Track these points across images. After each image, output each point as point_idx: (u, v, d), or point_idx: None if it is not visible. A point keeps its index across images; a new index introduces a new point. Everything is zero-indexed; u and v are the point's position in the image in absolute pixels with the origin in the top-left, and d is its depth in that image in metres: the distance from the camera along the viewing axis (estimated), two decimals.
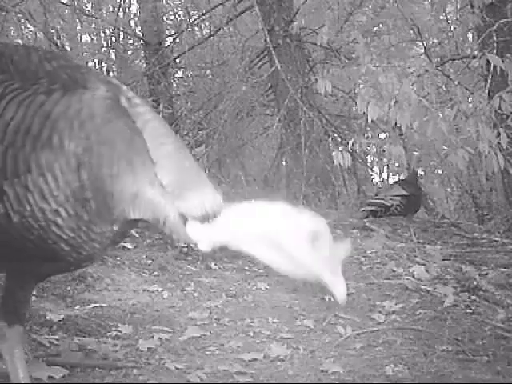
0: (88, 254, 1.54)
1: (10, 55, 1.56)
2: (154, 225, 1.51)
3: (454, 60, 8.15)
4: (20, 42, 11.60)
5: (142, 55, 11.91)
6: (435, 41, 10.39)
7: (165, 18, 11.73)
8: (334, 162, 4.64)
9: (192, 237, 1.51)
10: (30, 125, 1.43)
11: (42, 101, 1.45)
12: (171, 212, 1.49)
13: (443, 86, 8.37)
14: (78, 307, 3.03)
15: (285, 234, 1.46)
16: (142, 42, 11.48)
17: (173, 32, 11.04)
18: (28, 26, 10.53)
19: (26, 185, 1.41)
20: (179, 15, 11.61)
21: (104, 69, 12.32)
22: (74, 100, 1.47)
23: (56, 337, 2.53)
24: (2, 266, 1.63)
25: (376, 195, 6.43)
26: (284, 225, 1.47)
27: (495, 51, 4.27)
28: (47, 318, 2.72)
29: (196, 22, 10.07)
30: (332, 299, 3.51)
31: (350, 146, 4.60)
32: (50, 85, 1.47)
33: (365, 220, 6.40)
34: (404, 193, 6.32)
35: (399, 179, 7.20)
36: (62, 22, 10.67)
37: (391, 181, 14.40)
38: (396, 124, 4.14)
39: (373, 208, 6.24)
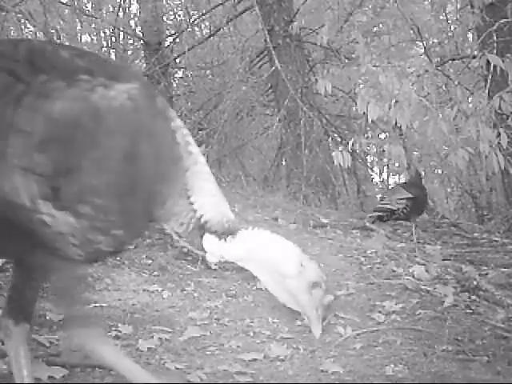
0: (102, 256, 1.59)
1: (41, 52, 1.53)
2: (170, 232, 1.62)
3: (453, 60, 8.15)
4: None
5: (142, 55, 11.91)
6: (435, 41, 10.40)
7: (165, 18, 11.72)
8: (334, 162, 4.64)
9: (205, 248, 1.61)
10: (79, 121, 1.42)
11: (88, 96, 1.44)
12: (192, 224, 1.59)
13: (443, 86, 8.37)
14: None
15: (288, 273, 1.63)
16: (141, 41, 11.47)
17: (173, 32, 11.04)
18: (28, 26, 10.52)
19: (79, 181, 1.42)
20: (179, 15, 11.62)
21: None
22: (117, 95, 1.47)
23: (56, 337, 2.53)
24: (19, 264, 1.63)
25: (381, 200, 6.41)
26: (290, 265, 1.63)
27: (495, 51, 4.27)
28: (47, 317, 2.72)
29: (196, 21, 10.07)
30: (332, 299, 3.52)
31: (350, 146, 4.60)
32: (91, 80, 1.46)
33: (372, 225, 6.42)
34: (409, 195, 6.31)
35: (404, 181, 7.16)
36: (61, 22, 10.67)
37: (391, 181, 14.43)
38: (396, 124, 4.14)
39: (379, 214, 6.24)
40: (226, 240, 1.60)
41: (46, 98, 1.41)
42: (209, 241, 1.60)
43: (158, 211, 1.58)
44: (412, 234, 6.24)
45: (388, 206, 6.21)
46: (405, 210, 6.25)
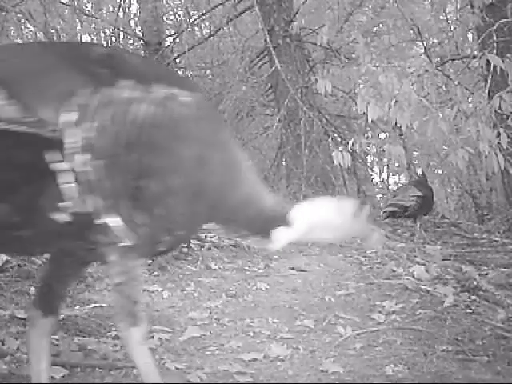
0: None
1: (117, 57, 1.57)
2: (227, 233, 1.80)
3: (453, 60, 8.14)
4: (20, 41, 11.61)
5: (142, 55, 11.91)
6: (435, 41, 10.40)
7: (165, 18, 11.72)
8: (334, 162, 4.63)
9: (274, 240, 1.76)
10: (161, 125, 1.48)
11: (167, 103, 1.50)
12: (258, 222, 1.73)
13: (443, 86, 8.36)
14: (77, 307, 3.03)
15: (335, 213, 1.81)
16: (141, 41, 11.47)
17: (173, 32, 11.04)
18: (28, 25, 10.52)
19: (159, 182, 1.48)
20: (179, 15, 11.62)
21: None
22: (190, 102, 1.54)
23: (56, 337, 2.53)
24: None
25: (394, 196, 6.41)
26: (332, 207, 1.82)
27: (495, 51, 4.26)
28: None
29: (196, 21, 10.06)
30: (332, 299, 3.52)
31: (350, 146, 4.59)
32: (166, 88, 1.52)
33: (385, 221, 6.43)
34: (419, 194, 6.33)
35: (412, 180, 7.16)
36: (61, 22, 10.67)
37: (391, 181, 14.42)
38: (396, 124, 4.14)
39: (394, 209, 6.25)
40: (289, 226, 1.74)
41: (132, 103, 1.45)
42: (277, 232, 1.74)
43: (225, 213, 1.68)
44: (415, 233, 6.25)
45: (401, 203, 6.22)
46: (415, 207, 6.27)
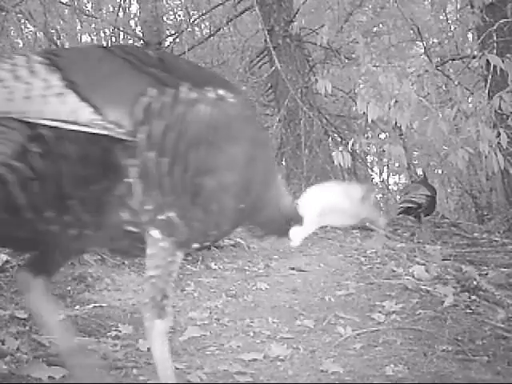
0: None
1: (170, 61, 1.64)
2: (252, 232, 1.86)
3: (453, 60, 8.15)
4: (20, 42, 11.61)
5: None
6: (435, 41, 10.40)
7: (165, 18, 11.72)
8: (334, 162, 4.64)
9: (293, 237, 1.85)
10: (216, 125, 1.55)
11: (219, 103, 1.57)
12: (282, 221, 1.81)
13: (443, 86, 8.37)
14: (77, 307, 3.03)
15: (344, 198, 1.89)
16: (141, 41, 11.47)
17: (173, 32, 11.04)
18: (28, 26, 10.53)
19: (213, 180, 1.55)
20: (179, 15, 11.62)
21: None
22: (237, 103, 1.61)
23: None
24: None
25: (406, 194, 6.43)
26: (345, 202, 1.89)
27: (495, 51, 4.26)
28: None
29: (196, 21, 10.06)
30: (332, 299, 3.52)
31: (350, 146, 4.60)
32: (214, 89, 1.58)
33: (399, 216, 6.45)
34: (428, 193, 6.35)
35: (418, 180, 7.16)
36: (61, 22, 10.67)
37: (391, 181, 14.41)
38: (396, 124, 4.14)
39: (409, 205, 6.26)
40: (303, 223, 1.83)
41: (193, 104, 1.53)
42: (295, 230, 1.84)
43: (258, 213, 1.74)
44: (416, 233, 6.25)
45: (416, 199, 6.24)
46: (425, 206, 6.29)
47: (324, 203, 1.88)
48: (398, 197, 7.68)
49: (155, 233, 1.54)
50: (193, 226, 1.56)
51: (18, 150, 1.37)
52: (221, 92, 1.59)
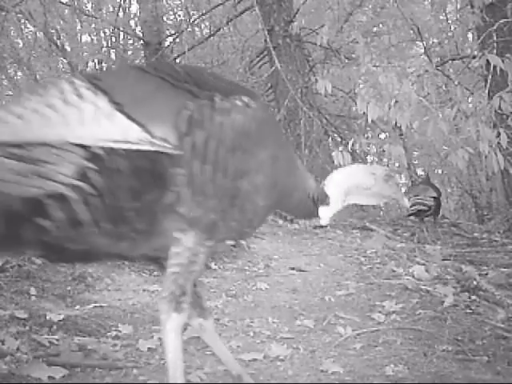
0: None
1: (198, 74, 1.73)
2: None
3: (454, 60, 8.15)
4: (20, 41, 11.61)
5: (142, 55, 11.91)
6: (435, 41, 10.41)
7: (165, 18, 11.72)
8: (334, 162, 4.63)
9: (321, 217, 1.96)
10: (248, 131, 1.67)
11: (247, 111, 1.68)
12: (309, 203, 1.93)
13: (443, 86, 8.38)
14: (78, 307, 3.03)
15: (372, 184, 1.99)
16: (141, 41, 11.47)
17: (173, 32, 11.04)
18: (28, 25, 10.54)
19: (249, 181, 1.67)
20: (179, 15, 11.62)
21: (104, 69, 12.32)
22: (260, 109, 1.73)
23: (56, 337, 2.53)
24: None
25: (416, 195, 6.38)
26: (369, 180, 1.99)
27: (495, 51, 4.26)
28: (47, 317, 2.72)
29: (196, 21, 10.07)
30: (332, 299, 3.52)
31: (350, 146, 4.60)
32: (240, 98, 1.69)
33: (410, 218, 6.43)
34: (435, 194, 6.32)
35: (424, 181, 7.10)
36: (61, 22, 10.68)
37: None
38: (396, 124, 4.14)
39: (421, 207, 6.22)
40: (330, 203, 1.94)
41: (228, 113, 1.65)
42: (322, 210, 1.94)
43: (287, 200, 1.86)
44: (416, 233, 6.25)
45: (426, 202, 6.22)
46: (432, 208, 6.28)
47: (349, 182, 1.97)
48: (406, 198, 7.64)
49: (179, 234, 1.62)
50: (231, 226, 1.68)
51: (77, 171, 1.48)
52: (245, 99, 1.69)
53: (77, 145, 1.49)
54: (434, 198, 6.27)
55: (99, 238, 1.56)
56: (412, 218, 6.72)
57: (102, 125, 1.50)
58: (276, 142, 1.78)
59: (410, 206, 6.36)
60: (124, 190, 1.53)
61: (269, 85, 9.08)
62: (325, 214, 1.96)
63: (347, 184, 1.97)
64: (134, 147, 1.51)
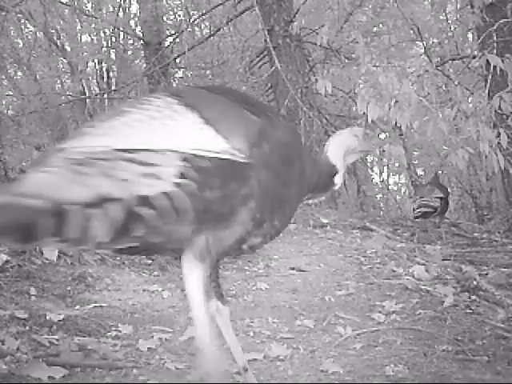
0: None
1: (243, 97, 2.00)
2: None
3: (454, 60, 8.14)
4: (20, 41, 11.61)
5: (142, 55, 11.91)
6: (435, 41, 10.41)
7: (165, 18, 11.72)
8: None
9: (336, 183, 2.21)
10: (290, 146, 1.92)
11: (286, 128, 1.95)
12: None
13: (443, 86, 8.37)
14: (78, 307, 3.03)
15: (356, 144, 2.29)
16: (141, 41, 11.47)
17: (173, 32, 11.04)
18: (28, 25, 10.54)
19: (290, 189, 1.90)
20: (179, 15, 11.61)
21: (104, 69, 12.32)
22: (289, 127, 2.02)
23: (56, 337, 2.53)
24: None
25: (422, 197, 6.35)
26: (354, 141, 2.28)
27: (495, 51, 4.25)
28: (47, 317, 2.72)
29: (196, 21, 10.06)
30: (332, 299, 3.52)
31: None
32: (275, 117, 1.94)
33: (416, 220, 6.43)
34: (442, 195, 6.29)
35: (429, 181, 7.05)
36: (61, 22, 10.68)
37: (391, 181, 14.41)
38: (396, 124, 4.14)
39: (427, 210, 6.20)
40: (338, 170, 2.20)
41: (283, 130, 1.91)
42: (337, 177, 2.20)
43: (309, 186, 2.10)
44: (416, 233, 6.24)
45: (432, 204, 6.19)
46: (440, 209, 6.26)
47: (343, 147, 2.24)
48: (412, 199, 7.60)
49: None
50: (277, 228, 1.91)
51: (177, 171, 1.68)
52: (279, 118, 1.97)
53: (173, 151, 1.69)
54: (441, 198, 6.24)
55: (186, 227, 1.72)
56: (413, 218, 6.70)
57: (196, 136, 1.73)
58: (301, 148, 2.05)
59: (416, 209, 6.35)
60: (212, 192, 1.72)
61: (269, 85, 9.07)
62: (338, 180, 2.21)
63: (342, 149, 2.24)
64: (219, 156, 1.73)
